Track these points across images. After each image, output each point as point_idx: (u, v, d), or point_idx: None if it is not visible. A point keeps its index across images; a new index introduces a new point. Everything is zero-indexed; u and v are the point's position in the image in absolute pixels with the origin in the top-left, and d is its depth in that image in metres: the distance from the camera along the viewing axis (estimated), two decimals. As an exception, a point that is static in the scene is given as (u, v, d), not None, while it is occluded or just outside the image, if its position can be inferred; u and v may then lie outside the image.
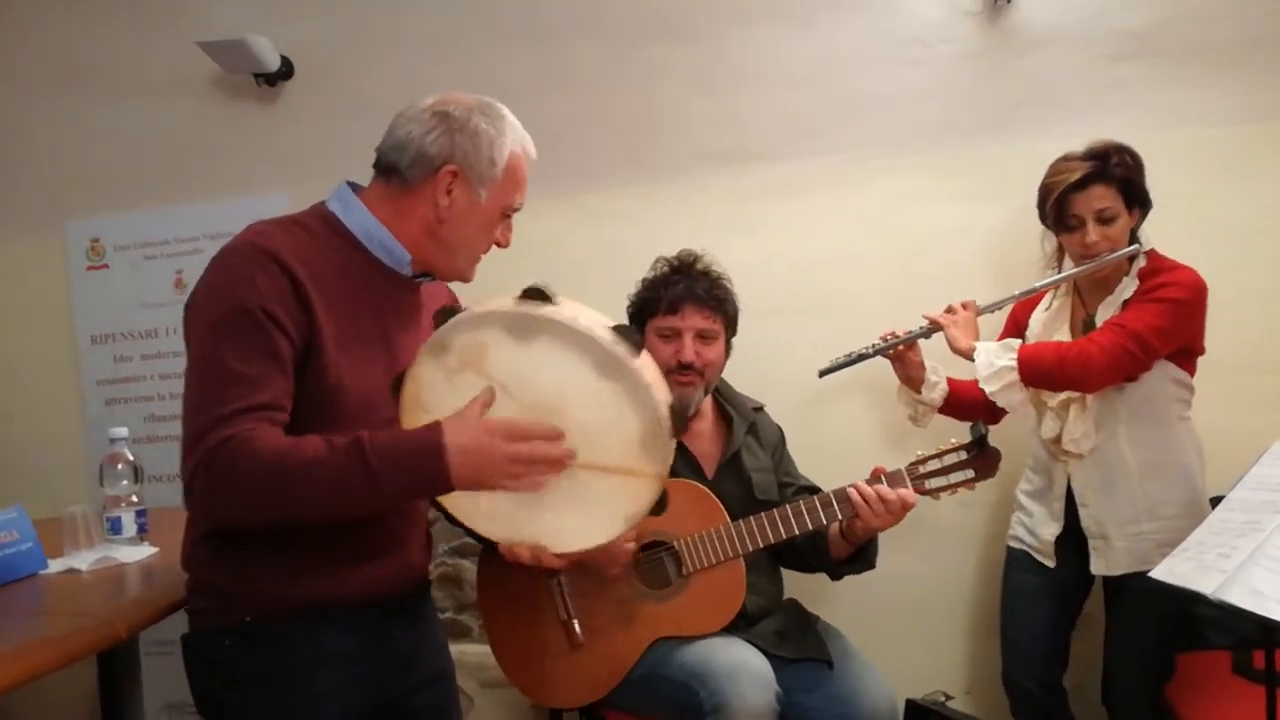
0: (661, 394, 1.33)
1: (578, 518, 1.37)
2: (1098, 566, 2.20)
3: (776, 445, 2.38)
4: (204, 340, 1.39)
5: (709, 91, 2.78)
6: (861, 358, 2.36)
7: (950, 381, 2.38)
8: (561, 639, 2.03)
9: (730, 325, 2.30)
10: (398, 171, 1.51)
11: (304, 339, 1.40)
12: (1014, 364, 2.12)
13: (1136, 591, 2.13)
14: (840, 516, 2.05)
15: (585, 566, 1.88)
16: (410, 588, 1.64)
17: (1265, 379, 2.48)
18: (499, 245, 1.60)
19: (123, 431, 2.09)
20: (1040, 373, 2.12)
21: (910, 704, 2.45)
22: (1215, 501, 2.00)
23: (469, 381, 1.35)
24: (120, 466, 2.04)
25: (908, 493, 1.99)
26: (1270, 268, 2.49)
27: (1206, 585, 1.62)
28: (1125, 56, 2.55)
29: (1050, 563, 2.29)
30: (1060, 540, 2.27)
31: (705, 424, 2.31)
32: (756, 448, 2.31)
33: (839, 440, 2.66)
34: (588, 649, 2.03)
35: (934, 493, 2.05)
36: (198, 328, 1.41)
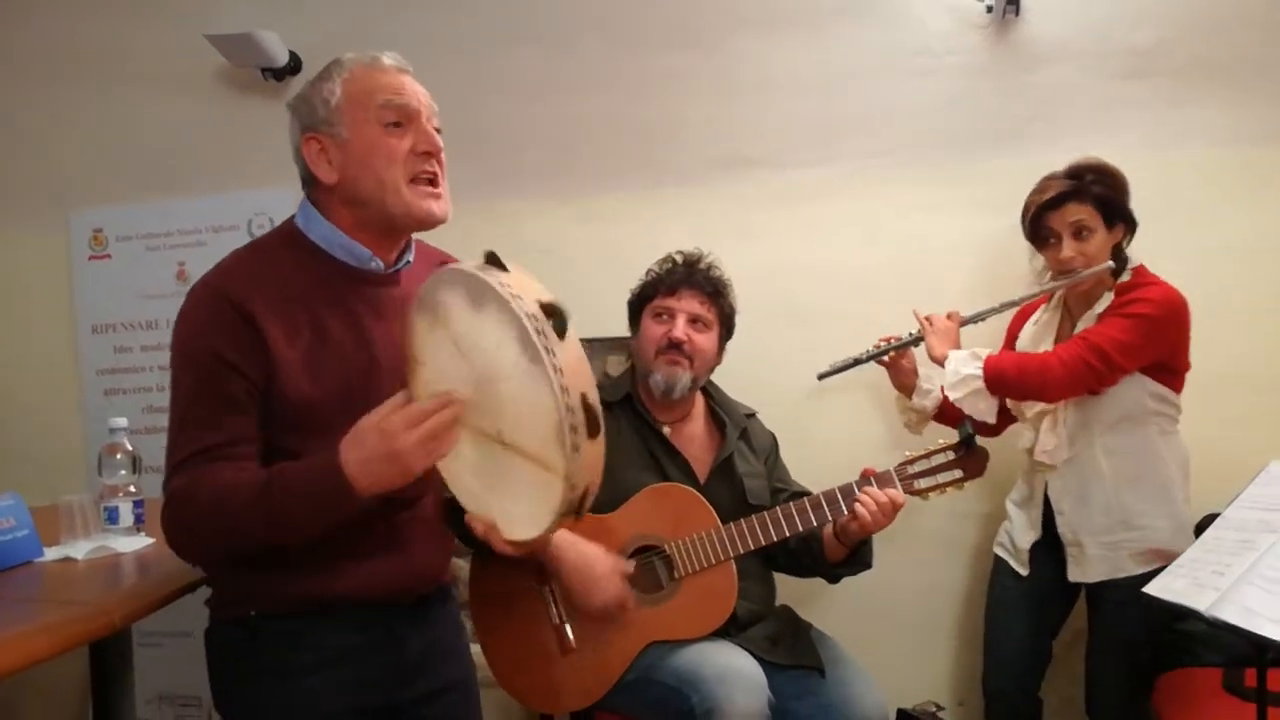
0: (572, 382, 1.21)
1: (518, 504, 1.32)
2: (1074, 574, 2.22)
3: (769, 451, 2.38)
4: (172, 386, 1.47)
5: (715, 98, 2.79)
6: (857, 362, 2.42)
7: (944, 388, 2.39)
8: (553, 643, 2.04)
9: (725, 321, 2.31)
10: (304, 179, 1.55)
11: (263, 369, 1.43)
12: (979, 372, 2.16)
13: (1112, 602, 2.17)
14: (830, 518, 2.07)
15: (594, 616, 1.97)
16: (421, 588, 1.62)
17: (1259, 397, 2.48)
18: (427, 152, 1.49)
19: (122, 421, 2.09)
20: (1002, 382, 2.16)
21: (901, 713, 2.46)
22: (1209, 519, 2.01)
23: (441, 338, 1.33)
24: (119, 456, 2.03)
25: (896, 493, 2.03)
26: (1266, 288, 2.50)
27: (1201, 602, 1.63)
28: (1131, 74, 2.56)
29: (1024, 570, 2.32)
30: (1039, 548, 2.30)
31: (698, 428, 2.32)
32: (749, 453, 2.31)
33: (834, 446, 2.67)
34: (580, 653, 2.03)
35: (923, 493, 2.09)
36: (172, 369, 1.48)
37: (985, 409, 2.19)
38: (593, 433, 1.23)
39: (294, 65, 2.96)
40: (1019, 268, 2.44)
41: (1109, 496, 2.17)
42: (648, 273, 2.35)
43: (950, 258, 2.67)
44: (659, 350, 2.22)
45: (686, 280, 2.26)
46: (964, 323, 2.32)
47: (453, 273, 1.31)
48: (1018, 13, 2.55)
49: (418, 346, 1.37)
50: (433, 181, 1.50)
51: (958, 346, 2.27)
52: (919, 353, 2.39)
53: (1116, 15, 2.54)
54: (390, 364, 1.50)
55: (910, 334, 2.38)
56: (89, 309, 3.22)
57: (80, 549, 1.84)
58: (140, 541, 1.94)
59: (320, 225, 1.52)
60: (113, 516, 2.00)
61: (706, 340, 2.26)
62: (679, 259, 2.32)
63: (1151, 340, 2.10)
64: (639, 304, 2.33)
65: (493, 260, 1.29)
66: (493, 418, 1.30)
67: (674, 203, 2.85)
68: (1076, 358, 2.08)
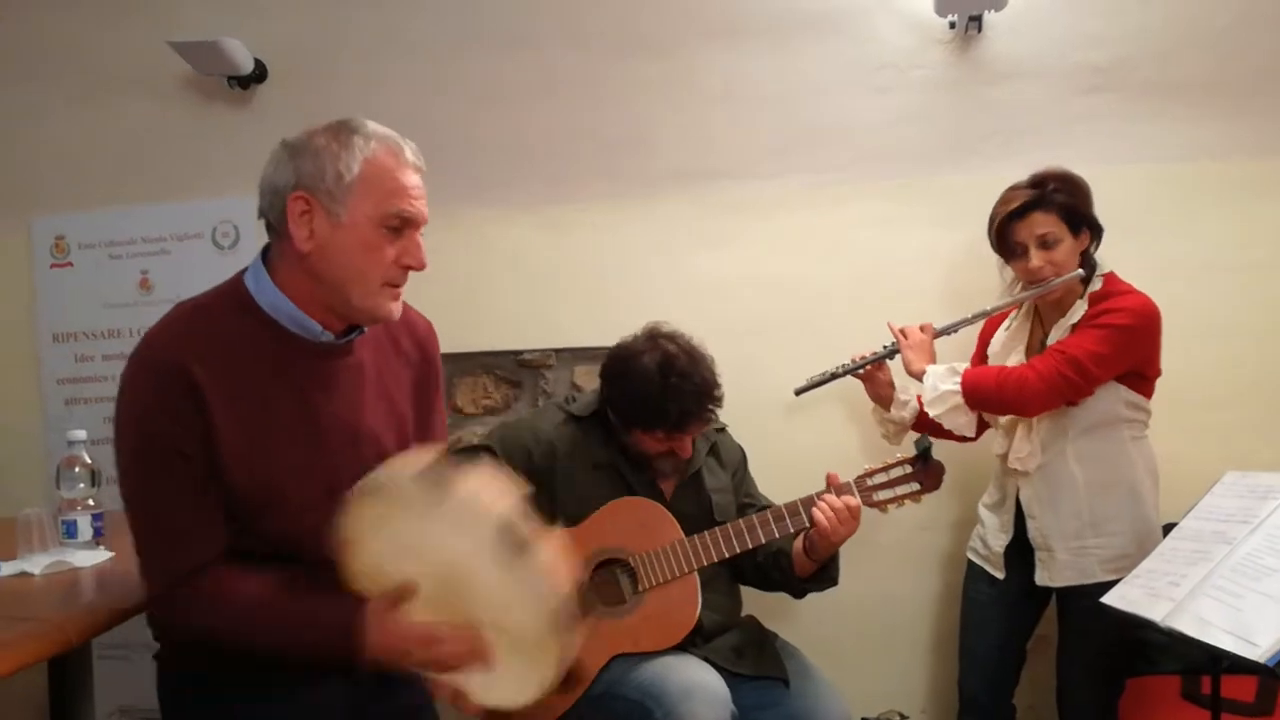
0: (557, 582, 1.26)
1: (499, 678, 1.33)
2: (1041, 578, 2.24)
3: (738, 466, 2.39)
4: (128, 473, 1.41)
5: (682, 108, 2.80)
6: (833, 377, 2.44)
7: (920, 400, 2.41)
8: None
9: None
10: (268, 220, 1.45)
11: (209, 451, 1.38)
12: (957, 388, 2.17)
13: (1081, 608, 2.18)
14: (792, 529, 2.08)
15: None
16: None
17: (1214, 413, 2.52)
18: (410, 267, 1.44)
19: (81, 434, 2.06)
20: (981, 397, 2.17)
21: (865, 723, 2.48)
22: (1166, 529, 2.04)
23: (390, 532, 1.31)
24: (77, 469, 2.00)
25: (851, 498, 2.06)
26: (1222, 303, 2.54)
27: (1156, 613, 1.66)
28: (1090, 90, 2.60)
29: (999, 574, 2.33)
30: (1011, 552, 2.31)
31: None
32: (717, 468, 2.32)
33: (805, 458, 2.66)
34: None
35: (881, 505, 2.10)
36: (120, 454, 1.41)
37: (965, 423, 2.21)
38: (585, 612, 1.35)
39: (259, 73, 2.95)
40: (981, 281, 2.46)
41: (1079, 503, 2.19)
42: (644, 390, 2.10)
43: (912, 271, 2.69)
44: (657, 456, 2.19)
45: (696, 418, 2.14)
46: (938, 334, 2.35)
47: (403, 471, 1.30)
48: (980, 29, 2.59)
49: (355, 533, 1.33)
50: (398, 286, 1.46)
51: (934, 360, 2.29)
52: (895, 364, 2.40)
53: (1076, 34, 2.59)
54: (338, 441, 1.47)
55: (885, 347, 2.40)
56: (50, 317, 3.18)
57: (37, 564, 1.81)
58: (99, 556, 1.92)
59: (270, 292, 1.44)
60: (71, 530, 1.97)
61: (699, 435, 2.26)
62: (685, 388, 2.10)
63: (1126, 350, 2.12)
64: (630, 419, 2.16)
65: (465, 452, 1.30)
66: (459, 608, 1.31)
67: (638, 213, 2.85)
68: (1053, 371, 2.09)
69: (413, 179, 1.43)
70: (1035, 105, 2.63)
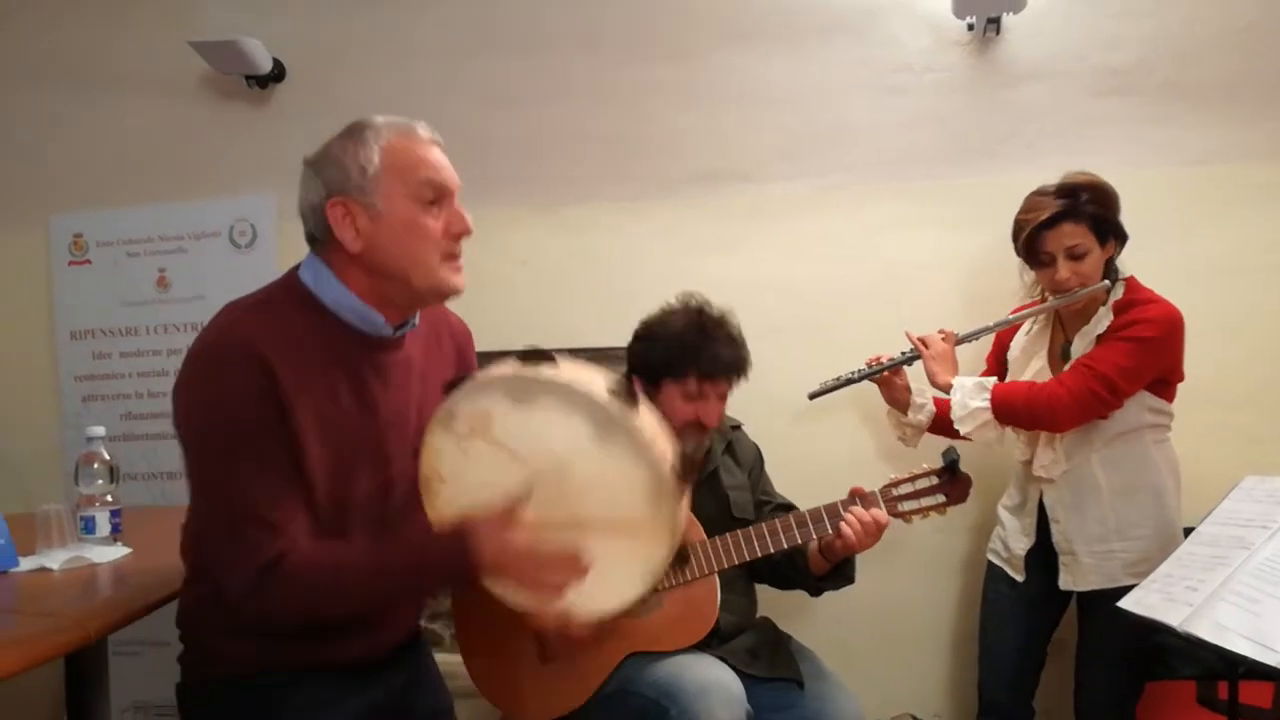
0: (663, 449, 1.30)
1: (598, 579, 1.35)
2: (1065, 581, 2.23)
3: (754, 464, 2.39)
4: (209, 459, 1.39)
5: (696, 111, 2.80)
6: (849, 382, 2.43)
7: (937, 402, 2.41)
8: (533, 651, 2.03)
9: None
10: (315, 238, 1.49)
11: (286, 431, 1.39)
12: (987, 405, 2.16)
13: (1105, 610, 2.15)
14: (815, 536, 2.07)
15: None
16: (404, 638, 1.65)
17: (1233, 415, 2.51)
18: (460, 235, 1.48)
19: (99, 430, 2.08)
20: (1012, 415, 2.17)
21: (879, 726, 2.47)
22: (1188, 532, 2.02)
23: (479, 449, 1.34)
24: (96, 465, 2.02)
25: (880, 513, 2.03)
26: (1241, 306, 2.53)
27: (1173, 618, 1.64)
28: (1108, 93, 2.59)
29: (1019, 576, 2.32)
30: (1032, 555, 2.30)
31: (684, 442, 2.32)
32: (734, 466, 2.32)
33: (819, 458, 2.68)
34: (559, 662, 2.02)
35: (906, 515, 2.09)
36: (197, 445, 1.40)
37: (995, 438, 2.20)
38: (690, 479, 1.33)
39: (278, 72, 2.96)
40: (996, 284, 2.45)
41: (1104, 508, 2.18)
42: (673, 335, 2.16)
43: (927, 274, 2.69)
44: (686, 425, 2.16)
45: (728, 367, 2.16)
46: (959, 342, 2.33)
47: (486, 380, 1.33)
48: (998, 31, 2.59)
49: (442, 464, 1.37)
50: (457, 257, 1.49)
51: (957, 369, 2.29)
52: (911, 368, 2.39)
53: (1095, 36, 2.58)
54: (394, 431, 1.51)
55: (903, 353, 2.38)
56: (68, 314, 3.20)
57: (56, 559, 1.83)
58: (117, 552, 1.93)
59: (333, 287, 1.47)
60: (89, 526, 1.98)
61: (724, 408, 2.25)
62: (703, 323, 2.16)
63: (1154, 361, 2.12)
64: (660, 372, 2.17)
65: (534, 355, 1.31)
66: (562, 505, 1.33)
67: (652, 214, 2.85)
68: (1084, 388, 2.09)
69: (432, 151, 1.47)
70: (1053, 108, 2.62)
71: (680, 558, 1.36)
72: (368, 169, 1.42)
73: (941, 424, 2.38)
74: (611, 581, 1.35)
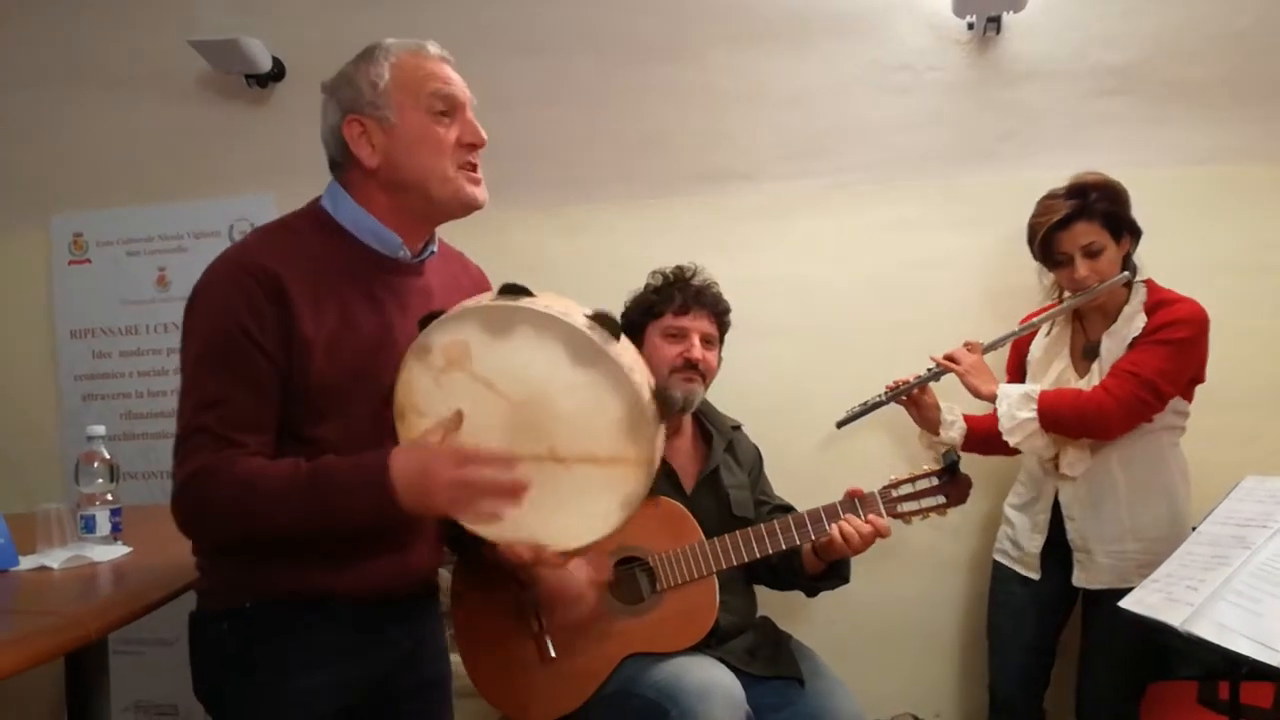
0: (642, 377, 1.30)
1: (576, 513, 1.35)
2: (1079, 579, 2.24)
3: (754, 464, 2.40)
4: (188, 361, 1.43)
5: (698, 111, 2.80)
6: (875, 406, 2.40)
7: (967, 418, 2.40)
8: (533, 652, 2.03)
9: (723, 338, 2.34)
10: (336, 162, 1.53)
11: (287, 349, 1.40)
12: (1034, 415, 2.16)
13: (1112, 607, 2.16)
14: (814, 537, 2.08)
15: (557, 600, 1.88)
16: (413, 587, 1.63)
17: (1235, 415, 2.51)
18: (473, 144, 1.52)
19: (100, 429, 2.08)
20: (1059, 423, 2.17)
21: (879, 725, 2.47)
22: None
23: (457, 381, 1.34)
24: (96, 464, 2.02)
25: (882, 522, 2.04)
26: (1241, 305, 2.53)
27: (1174, 618, 1.64)
28: (1109, 92, 2.59)
29: (1034, 575, 2.32)
30: (1044, 552, 2.31)
31: (685, 441, 2.32)
32: (734, 465, 2.32)
33: (819, 459, 2.68)
34: (559, 663, 2.02)
35: (906, 516, 2.10)
36: (186, 348, 1.44)
37: (1043, 446, 2.20)
38: (666, 415, 1.32)
39: (277, 71, 2.96)
40: (999, 283, 2.46)
41: (1120, 507, 2.19)
42: (649, 288, 2.33)
43: (928, 273, 2.69)
44: (674, 369, 2.22)
45: (697, 300, 2.26)
46: (985, 351, 2.33)
47: (461, 311, 1.32)
48: (999, 31, 2.58)
49: (417, 397, 1.36)
50: (475, 168, 1.53)
51: (995, 379, 2.29)
52: (936, 386, 2.39)
53: (1095, 36, 2.57)
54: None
55: (928, 370, 2.36)
56: (68, 314, 3.20)
57: (56, 558, 1.83)
58: (117, 551, 1.93)
59: (351, 209, 1.51)
60: (89, 525, 1.99)
61: (714, 357, 2.29)
62: (685, 276, 2.31)
63: (1190, 361, 2.16)
64: (641, 319, 2.30)
65: (511, 290, 1.31)
66: (541, 438, 1.32)
67: (656, 215, 2.85)
68: (1130, 395, 2.10)
69: (442, 66, 1.53)
70: (1054, 107, 2.62)
71: (654, 493, 1.36)
72: (379, 84, 1.47)
73: (975, 440, 2.38)
74: (589, 513, 1.35)
